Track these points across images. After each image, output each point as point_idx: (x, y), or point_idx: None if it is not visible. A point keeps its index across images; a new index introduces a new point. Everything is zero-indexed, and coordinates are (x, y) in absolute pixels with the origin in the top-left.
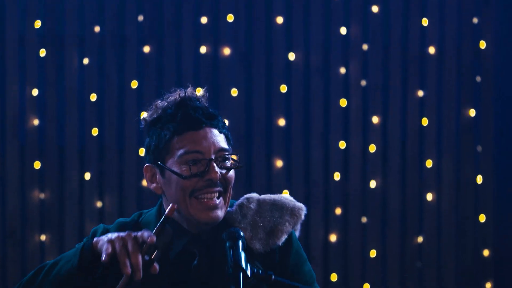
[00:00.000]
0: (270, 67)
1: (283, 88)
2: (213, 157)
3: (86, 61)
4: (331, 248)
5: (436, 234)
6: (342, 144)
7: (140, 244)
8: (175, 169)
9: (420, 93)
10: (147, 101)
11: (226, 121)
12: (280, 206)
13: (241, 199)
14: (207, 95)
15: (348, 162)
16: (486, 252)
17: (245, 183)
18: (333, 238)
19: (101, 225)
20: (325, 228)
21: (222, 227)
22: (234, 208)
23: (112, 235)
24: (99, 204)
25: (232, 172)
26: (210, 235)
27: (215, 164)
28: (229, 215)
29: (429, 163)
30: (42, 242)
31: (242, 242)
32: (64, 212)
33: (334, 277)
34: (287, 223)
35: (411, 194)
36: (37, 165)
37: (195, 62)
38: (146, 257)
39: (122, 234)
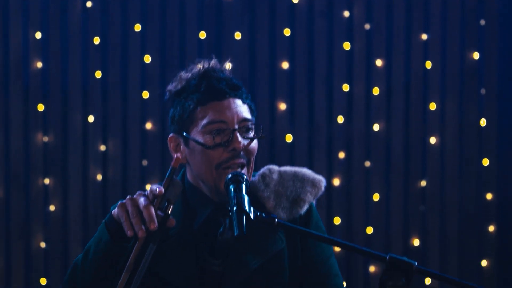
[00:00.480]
0: (274, 10)
1: (287, 32)
2: (236, 127)
3: (89, 4)
4: (335, 192)
5: (439, 178)
6: (346, 87)
7: (152, 200)
8: (199, 139)
9: (424, 36)
10: (150, 44)
11: (230, 65)
12: (301, 177)
13: (262, 170)
14: (231, 66)
15: (351, 105)
16: (489, 196)
17: None
18: (336, 182)
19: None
20: (329, 172)
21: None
22: (256, 178)
23: (124, 200)
24: (102, 147)
25: (255, 144)
26: None
27: (238, 134)
28: (252, 184)
29: (432, 106)
30: (46, 186)
31: (246, 186)
32: (68, 155)
33: (337, 221)
34: (308, 194)
35: (415, 137)
36: (40, 108)
37: (199, 6)
38: (160, 213)
39: (129, 198)
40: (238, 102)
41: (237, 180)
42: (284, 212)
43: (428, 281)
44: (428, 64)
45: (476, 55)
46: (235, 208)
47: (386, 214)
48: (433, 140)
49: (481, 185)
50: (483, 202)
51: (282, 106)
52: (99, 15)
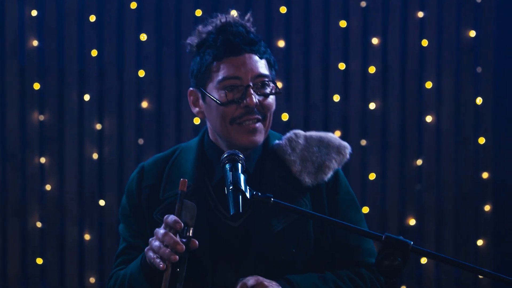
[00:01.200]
0: None
1: (283, 9)
2: (250, 83)
3: None
4: None
5: (435, 157)
6: (342, 66)
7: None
8: (214, 94)
9: (420, 14)
10: (146, 22)
11: (249, 18)
12: (326, 144)
13: (288, 134)
14: (251, 19)
15: (347, 83)
16: (485, 175)
17: None
18: None
19: (139, 165)
20: None
21: (270, 159)
22: (283, 141)
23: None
24: (98, 126)
25: (271, 99)
26: (255, 162)
27: (252, 91)
28: (279, 147)
29: (428, 85)
30: (42, 165)
31: (242, 165)
32: (64, 134)
33: None
34: (333, 160)
35: (411, 116)
36: (36, 86)
37: None
38: (182, 239)
39: (151, 239)
40: (255, 57)
41: (233, 159)
42: (310, 177)
43: (424, 260)
44: (424, 42)
45: (472, 33)
46: (231, 187)
47: (382, 193)
48: (429, 118)
49: (477, 164)
50: (479, 181)
51: (279, 85)
52: None
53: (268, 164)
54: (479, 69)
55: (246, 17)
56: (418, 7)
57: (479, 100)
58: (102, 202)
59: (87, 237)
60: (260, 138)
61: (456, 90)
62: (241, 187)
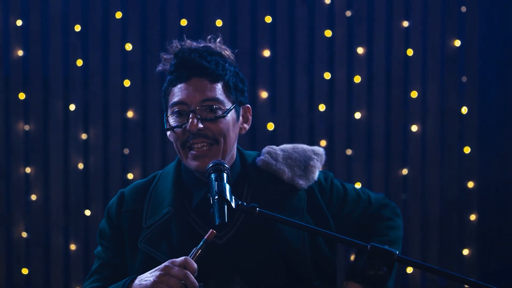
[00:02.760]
0: None
1: (268, 19)
2: (194, 108)
3: None
4: None
5: (420, 166)
6: (327, 75)
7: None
8: (168, 119)
9: (405, 23)
10: (131, 32)
11: (219, 40)
12: (301, 149)
13: (264, 150)
14: (221, 44)
15: (333, 93)
16: (470, 184)
17: None
18: None
19: (119, 191)
20: None
21: (255, 175)
22: (264, 156)
23: (149, 278)
24: (83, 136)
25: (223, 123)
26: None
27: (194, 116)
28: (263, 162)
29: (414, 94)
30: (27, 175)
31: (227, 174)
32: (49, 143)
33: None
34: (315, 160)
35: (396, 125)
36: (21, 96)
37: None
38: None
39: (160, 272)
40: (205, 82)
41: (218, 169)
42: (302, 179)
43: (409, 269)
44: (409, 52)
45: (457, 43)
46: (216, 197)
47: None
48: (414, 128)
49: (463, 173)
50: (464, 190)
51: (264, 94)
52: (80, 2)
53: (253, 180)
54: (464, 78)
55: (218, 40)
56: (403, 17)
57: (464, 109)
58: (87, 212)
59: (72, 247)
60: (207, 162)
61: (441, 99)
62: (226, 197)
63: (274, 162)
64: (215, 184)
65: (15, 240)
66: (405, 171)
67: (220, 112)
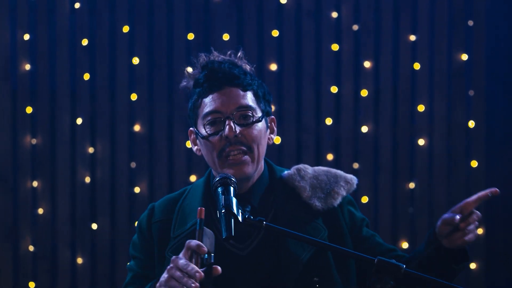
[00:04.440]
0: (261, 11)
1: (275, 33)
2: (229, 115)
3: (77, 5)
4: None
5: (427, 180)
6: (334, 89)
7: (190, 256)
8: (201, 130)
9: (412, 37)
10: (138, 46)
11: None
12: (334, 174)
13: (296, 166)
14: (242, 56)
15: (340, 107)
16: None
17: None
18: None
19: (150, 204)
20: None
21: (280, 188)
22: (292, 170)
23: (164, 276)
24: (90, 149)
25: (256, 130)
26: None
27: (231, 122)
28: (288, 176)
29: (421, 108)
30: (34, 188)
31: (234, 188)
32: (56, 157)
33: None
34: (342, 188)
35: (403, 139)
36: (29, 110)
37: (187, 7)
38: (203, 268)
39: (170, 266)
40: (237, 91)
41: (225, 182)
42: (319, 201)
43: None
44: (416, 66)
45: (464, 56)
46: (223, 211)
47: (375, 216)
48: (421, 141)
49: (470, 187)
50: None
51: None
52: (87, 16)
53: (278, 194)
54: (471, 92)
55: (239, 54)
56: (410, 31)
57: (471, 123)
58: (94, 226)
59: (79, 260)
60: (248, 169)
61: (448, 113)
62: (233, 210)
63: (298, 179)
64: (221, 197)
65: (22, 253)
66: (412, 185)
67: (254, 119)
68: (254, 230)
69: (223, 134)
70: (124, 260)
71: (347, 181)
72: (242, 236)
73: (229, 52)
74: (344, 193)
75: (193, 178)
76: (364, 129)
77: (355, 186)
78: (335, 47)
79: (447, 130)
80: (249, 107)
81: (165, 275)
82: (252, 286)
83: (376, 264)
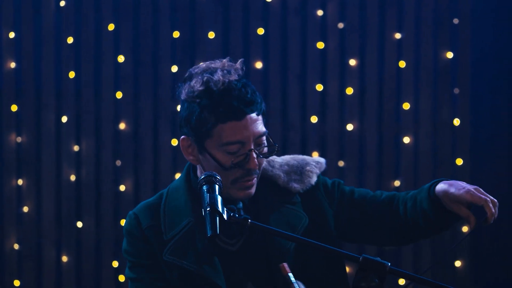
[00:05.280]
0: (247, 9)
1: (260, 31)
2: (252, 146)
3: (62, 3)
4: None
5: (413, 178)
6: (320, 87)
7: None
8: (216, 155)
9: (398, 36)
10: (123, 44)
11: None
12: (302, 158)
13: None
14: (243, 66)
15: (325, 105)
16: None
17: None
18: None
19: (128, 214)
20: None
21: (259, 183)
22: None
23: None
24: (76, 147)
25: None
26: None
27: (254, 154)
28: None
29: (406, 106)
30: (19, 187)
31: (219, 186)
32: (41, 155)
33: None
34: (313, 166)
35: (388, 137)
36: (14, 108)
37: (172, 5)
38: None
39: None
40: (254, 117)
41: (211, 180)
42: (297, 183)
43: (401, 281)
44: (402, 64)
45: (449, 54)
46: (208, 209)
47: None
48: (406, 139)
49: None
50: None
51: None
52: (73, 14)
53: (260, 187)
54: (456, 90)
55: (237, 64)
56: (395, 29)
57: (456, 121)
58: (79, 224)
59: (64, 259)
60: (254, 190)
61: (434, 111)
62: (218, 208)
63: (270, 168)
64: (207, 195)
65: (7, 252)
66: (397, 183)
67: (266, 146)
68: (239, 228)
69: (246, 166)
70: (109, 258)
71: (316, 161)
72: (232, 232)
73: (224, 60)
74: (318, 171)
75: (178, 176)
76: (350, 127)
77: (324, 165)
78: (320, 45)
79: (432, 128)
80: (264, 134)
81: None
82: (245, 280)
83: (361, 262)
